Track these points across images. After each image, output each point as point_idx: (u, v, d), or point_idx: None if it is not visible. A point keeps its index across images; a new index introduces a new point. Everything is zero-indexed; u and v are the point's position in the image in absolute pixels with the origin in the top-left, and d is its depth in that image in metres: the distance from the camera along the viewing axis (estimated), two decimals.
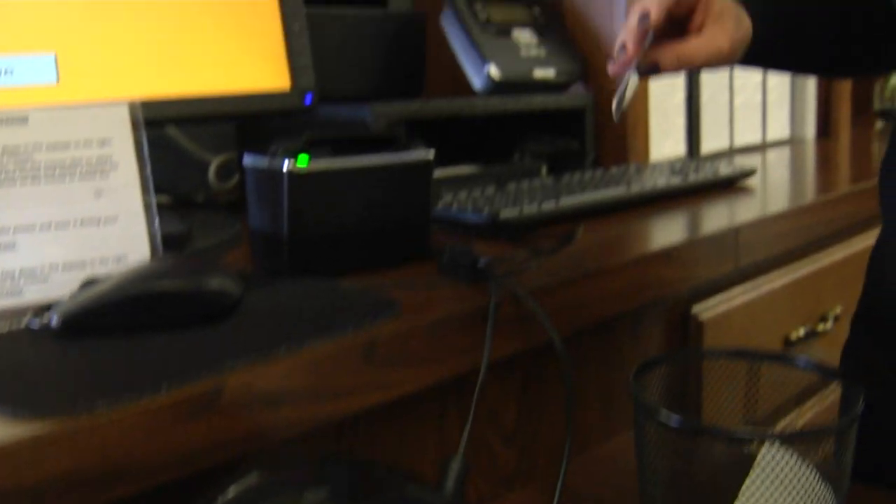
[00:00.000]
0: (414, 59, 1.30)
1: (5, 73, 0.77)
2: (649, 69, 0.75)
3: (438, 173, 1.09)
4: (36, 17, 0.78)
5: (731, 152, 1.66)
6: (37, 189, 0.72)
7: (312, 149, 0.73)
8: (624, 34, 0.74)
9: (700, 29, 0.76)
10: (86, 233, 0.73)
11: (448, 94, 1.36)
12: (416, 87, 1.31)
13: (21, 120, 0.72)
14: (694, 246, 0.89)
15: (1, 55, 0.76)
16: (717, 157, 1.56)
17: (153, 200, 0.74)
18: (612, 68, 0.76)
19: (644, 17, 0.73)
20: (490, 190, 1.03)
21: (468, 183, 1.10)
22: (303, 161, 0.71)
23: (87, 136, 0.73)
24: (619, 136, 1.33)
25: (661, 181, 1.08)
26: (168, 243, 0.76)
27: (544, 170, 1.25)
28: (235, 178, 1.30)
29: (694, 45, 0.75)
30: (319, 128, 1.04)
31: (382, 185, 0.75)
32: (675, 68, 0.75)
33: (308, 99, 0.84)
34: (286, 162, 0.71)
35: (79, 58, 0.78)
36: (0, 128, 0.71)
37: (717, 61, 0.76)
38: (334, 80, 1.20)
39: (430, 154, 0.77)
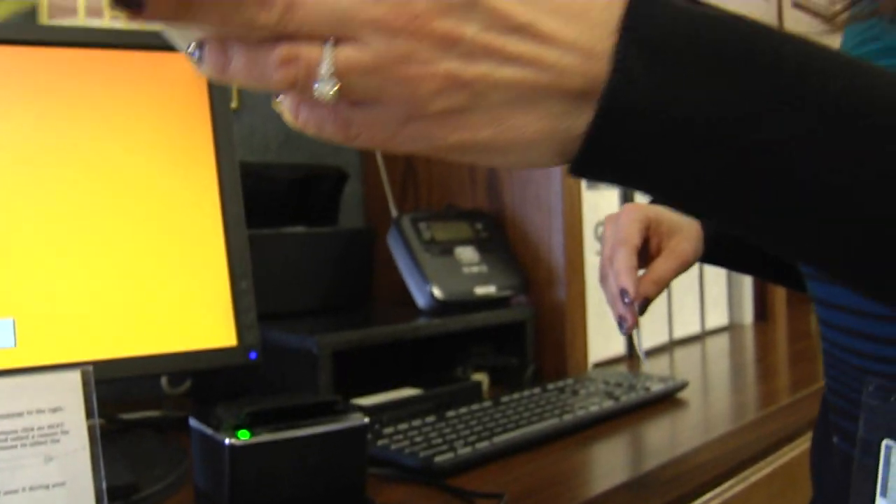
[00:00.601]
0: (361, 272, 1.36)
1: None
2: (643, 307, 0.86)
3: (380, 398, 1.14)
4: None
5: (672, 345, 1.73)
6: None
7: (253, 419, 0.77)
8: (618, 309, 0.87)
9: (659, 250, 0.87)
10: (34, 497, 0.76)
11: (396, 300, 1.42)
12: (362, 297, 1.37)
13: None
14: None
15: None
16: (656, 355, 1.63)
17: (101, 463, 0.78)
18: (624, 332, 0.87)
19: (624, 294, 0.83)
20: (430, 419, 1.08)
21: (409, 406, 1.15)
22: (244, 435, 0.76)
23: (39, 405, 0.78)
24: (559, 346, 1.39)
25: (594, 406, 1.14)
26: (114, 495, 0.80)
27: (486, 384, 1.30)
28: (187, 384, 1.34)
29: (664, 266, 0.88)
30: (261, 383, 1.10)
31: (320, 452, 0.79)
32: (660, 292, 0.87)
33: (253, 356, 0.89)
34: (228, 438, 0.75)
35: (36, 322, 0.83)
36: None
37: (686, 268, 0.88)
38: (284, 295, 1.27)
39: (365, 420, 0.82)
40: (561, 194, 1.39)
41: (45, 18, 1.29)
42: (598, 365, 1.51)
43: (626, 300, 0.86)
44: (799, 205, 0.40)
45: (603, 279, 0.94)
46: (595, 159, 0.40)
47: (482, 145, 0.40)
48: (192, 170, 0.93)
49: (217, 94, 0.96)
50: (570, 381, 1.30)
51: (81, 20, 1.32)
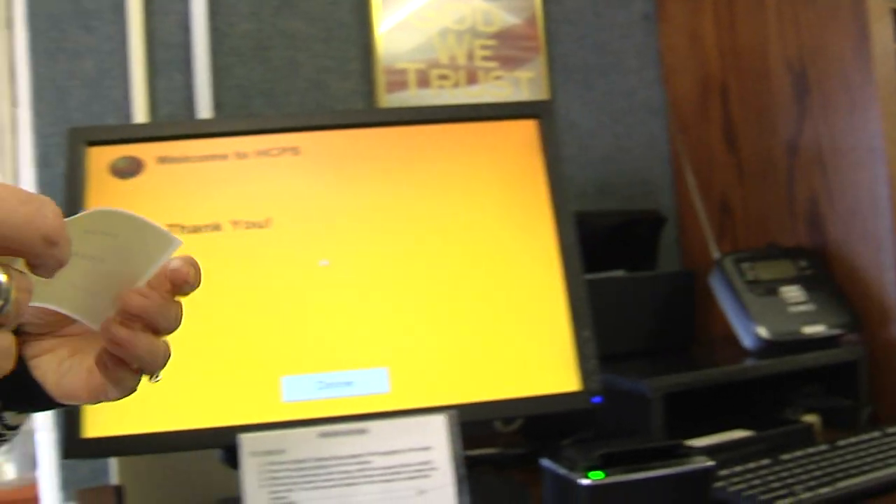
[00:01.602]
0: (684, 314, 1.38)
1: (346, 384, 0.93)
2: None
3: (712, 439, 1.15)
4: (372, 336, 0.95)
5: None
6: (372, 488, 0.86)
7: (604, 460, 0.83)
8: None
9: None
10: None
11: (716, 341, 1.43)
12: (685, 339, 1.39)
13: (361, 431, 0.88)
14: None
15: (344, 370, 0.93)
16: None
17: (466, 499, 0.87)
18: None
19: None
20: (765, 461, 1.08)
21: (741, 448, 1.15)
22: (597, 476, 0.81)
23: (412, 444, 0.88)
24: None
25: None
26: None
27: (818, 426, 1.27)
28: (518, 423, 1.42)
29: None
30: (590, 424, 1.15)
31: (669, 493, 0.83)
32: None
33: (596, 400, 0.95)
34: (582, 478, 0.81)
35: (406, 370, 0.94)
36: (346, 437, 0.87)
37: None
38: (609, 338, 1.31)
39: (710, 463, 0.84)
40: (891, 228, 1.34)
41: (382, 93, 1.44)
42: None
43: None
44: None
45: None
46: None
47: None
48: (530, 224, 1.01)
49: (551, 152, 1.03)
50: None
51: (412, 92, 1.46)
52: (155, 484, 1.07)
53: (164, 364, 0.54)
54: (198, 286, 0.53)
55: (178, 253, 0.51)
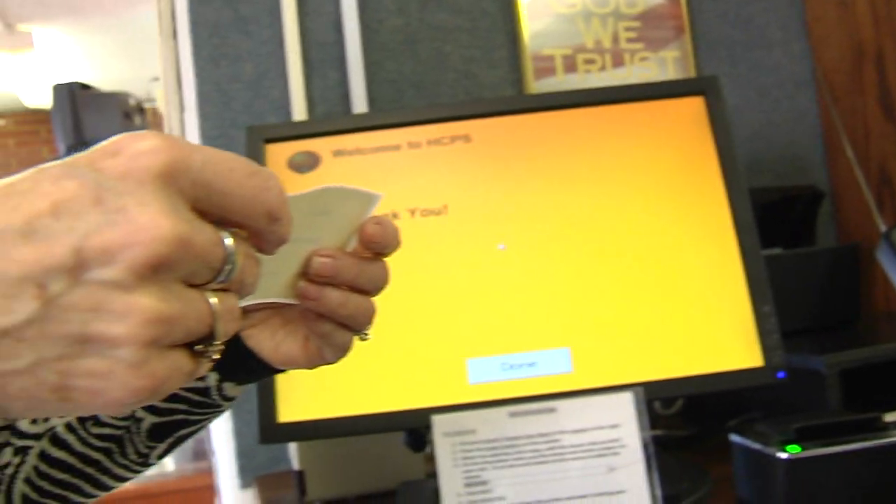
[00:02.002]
0: (850, 290, 1.35)
1: (530, 365, 0.95)
2: None
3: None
4: (553, 317, 0.96)
5: None
6: (562, 466, 0.88)
7: (800, 434, 0.82)
8: None
9: None
10: (599, 502, 0.87)
11: (885, 315, 1.39)
12: (852, 315, 1.36)
13: (549, 410, 0.89)
14: None
15: (527, 351, 0.95)
16: None
17: (655, 473, 0.87)
18: None
19: None
20: None
21: None
22: (794, 449, 0.80)
23: (600, 422, 0.88)
24: None
25: None
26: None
27: None
28: (678, 405, 1.41)
29: None
30: (756, 404, 1.13)
31: (868, 467, 0.81)
32: None
33: (781, 375, 0.94)
34: (780, 452, 0.80)
35: (588, 349, 0.95)
36: (535, 416, 0.88)
37: None
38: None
39: None
40: None
41: (530, 80, 1.45)
42: None
43: None
44: None
45: None
46: None
47: None
48: (704, 202, 1.00)
49: (720, 128, 1.02)
50: None
51: (560, 78, 1.47)
52: (336, 469, 1.11)
53: (369, 321, 0.55)
54: (393, 246, 0.53)
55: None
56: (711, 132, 1.03)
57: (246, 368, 0.59)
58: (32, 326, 0.33)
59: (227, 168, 0.39)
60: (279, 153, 1.04)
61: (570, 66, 1.47)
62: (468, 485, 0.87)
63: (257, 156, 1.03)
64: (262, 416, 0.95)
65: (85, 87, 2.89)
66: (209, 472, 2.01)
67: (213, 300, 0.39)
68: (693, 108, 1.04)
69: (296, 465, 1.13)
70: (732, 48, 1.61)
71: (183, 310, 0.37)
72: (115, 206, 0.34)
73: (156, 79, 3.85)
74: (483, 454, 0.88)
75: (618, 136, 1.03)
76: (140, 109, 3.02)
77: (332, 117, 1.32)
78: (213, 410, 0.66)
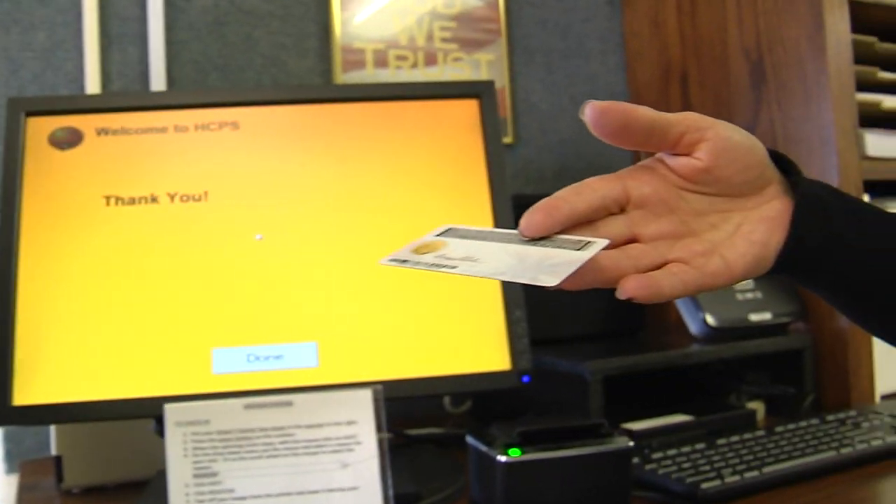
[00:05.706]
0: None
1: (276, 358, 0.94)
2: None
3: (651, 423, 1.16)
4: (303, 311, 0.95)
5: None
6: (294, 461, 0.87)
7: (524, 438, 0.83)
8: None
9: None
10: (330, 498, 0.86)
11: (669, 326, 1.43)
12: (635, 325, 1.40)
13: (286, 404, 0.88)
14: None
15: (274, 344, 0.94)
16: None
17: (388, 472, 0.87)
18: None
19: None
20: (700, 445, 1.08)
21: (680, 432, 1.16)
22: (515, 453, 0.82)
23: (337, 418, 0.88)
24: (841, 376, 1.34)
25: (877, 441, 1.09)
26: (399, 502, 0.89)
27: (761, 413, 1.28)
28: (468, 404, 1.43)
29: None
30: (536, 406, 1.16)
31: (586, 472, 0.84)
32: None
33: (525, 379, 0.95)
34: (501, 455, 0.82)
35: (335, 345, 0.94)
36: (272, 409, 0.87)
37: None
38: (558, 322, 1.32)
39: (630, 444, 0.85)
40: None
41: (339, 72, 1.44)
42: (887, 397, 1.43)
43: None
44: None
45: None
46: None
47: None
48: (468, 204, 1.01)
49: (490, 132, 1.03)
50: (852, 412, 1.25)
51: (370, 72, 1.46)
52: (93, 455, 1.08)
53: None
54: None
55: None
56: (482, 135, 1.04)
57: None
58: None
59: None
60: (41, 127, 1.00)
61: (382, 61, 1.46)
62: (197, 476, 0.85)
63: (17, 129, 0.99)
64: None
65: None
66: None
67: None
68: (468, 111, 1.05)
69: (54, 450, 1.09)
70: (550, 55, 1.64)
71: None
72: None
73: None
74: (215, 445, 0.86)
75: (391, 133, 1.03)
76: None
77: (99, 94, 1.28)
78: None
